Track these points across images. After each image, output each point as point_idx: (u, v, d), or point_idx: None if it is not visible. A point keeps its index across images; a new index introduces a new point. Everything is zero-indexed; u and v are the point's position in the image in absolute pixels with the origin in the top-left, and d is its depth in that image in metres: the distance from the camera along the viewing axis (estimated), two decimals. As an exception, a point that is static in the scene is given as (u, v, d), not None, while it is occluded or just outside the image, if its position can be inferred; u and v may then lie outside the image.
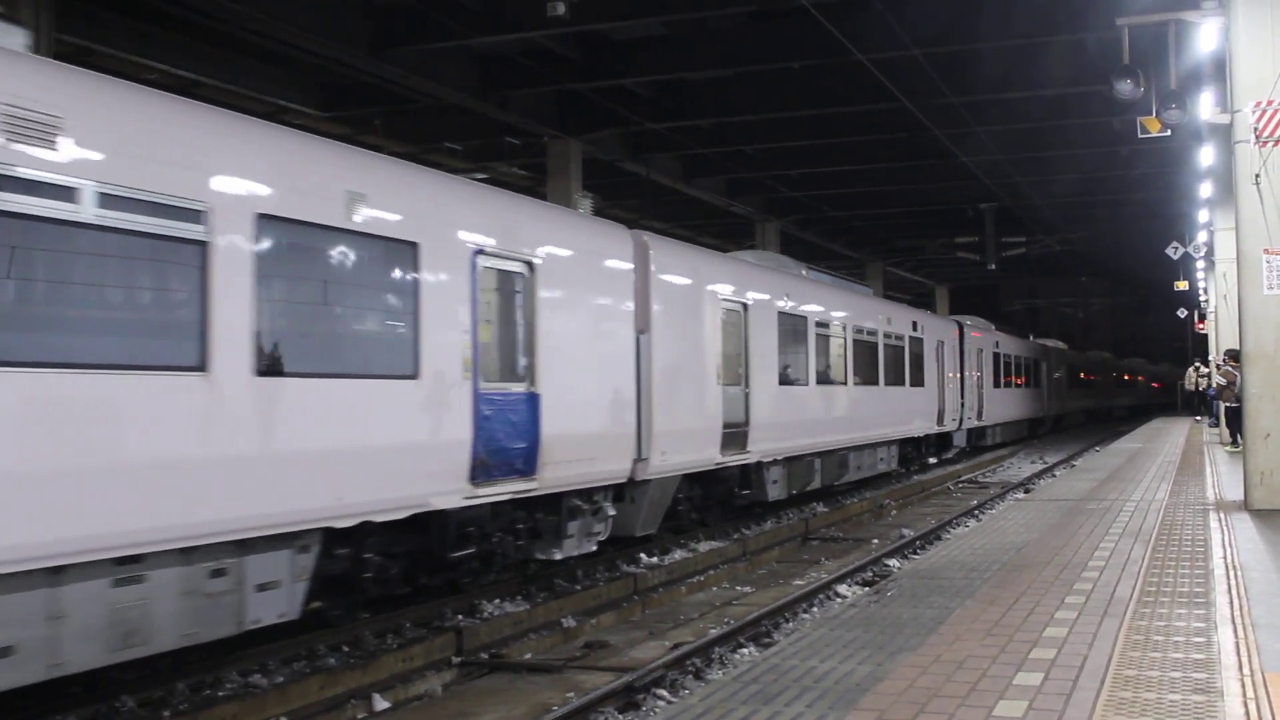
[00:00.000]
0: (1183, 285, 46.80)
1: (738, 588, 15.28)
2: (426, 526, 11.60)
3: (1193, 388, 44.28)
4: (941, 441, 34.11)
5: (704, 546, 17.88)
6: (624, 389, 15.05)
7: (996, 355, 40.39)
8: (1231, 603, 8.86)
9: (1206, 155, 25.73)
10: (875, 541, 18.95)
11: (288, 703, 9.40)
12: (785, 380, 20.64)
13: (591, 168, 29.76)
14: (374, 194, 10.76)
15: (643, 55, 24.27)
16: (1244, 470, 15.18)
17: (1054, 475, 28.22)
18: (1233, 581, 9.77)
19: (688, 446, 16.65)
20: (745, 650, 11.23)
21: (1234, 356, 25.52)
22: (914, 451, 30.97)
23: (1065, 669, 6.97)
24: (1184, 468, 22.66)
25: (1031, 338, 51.94)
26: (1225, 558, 11.08)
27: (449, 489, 11.52)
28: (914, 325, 29.91)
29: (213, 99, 18.92)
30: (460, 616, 12.62)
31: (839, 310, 24.10)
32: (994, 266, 44.96)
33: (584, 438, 13.93)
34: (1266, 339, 14.76)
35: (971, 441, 37.75)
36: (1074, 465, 29.56)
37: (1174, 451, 27.86)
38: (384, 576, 11.28)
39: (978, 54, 24.11)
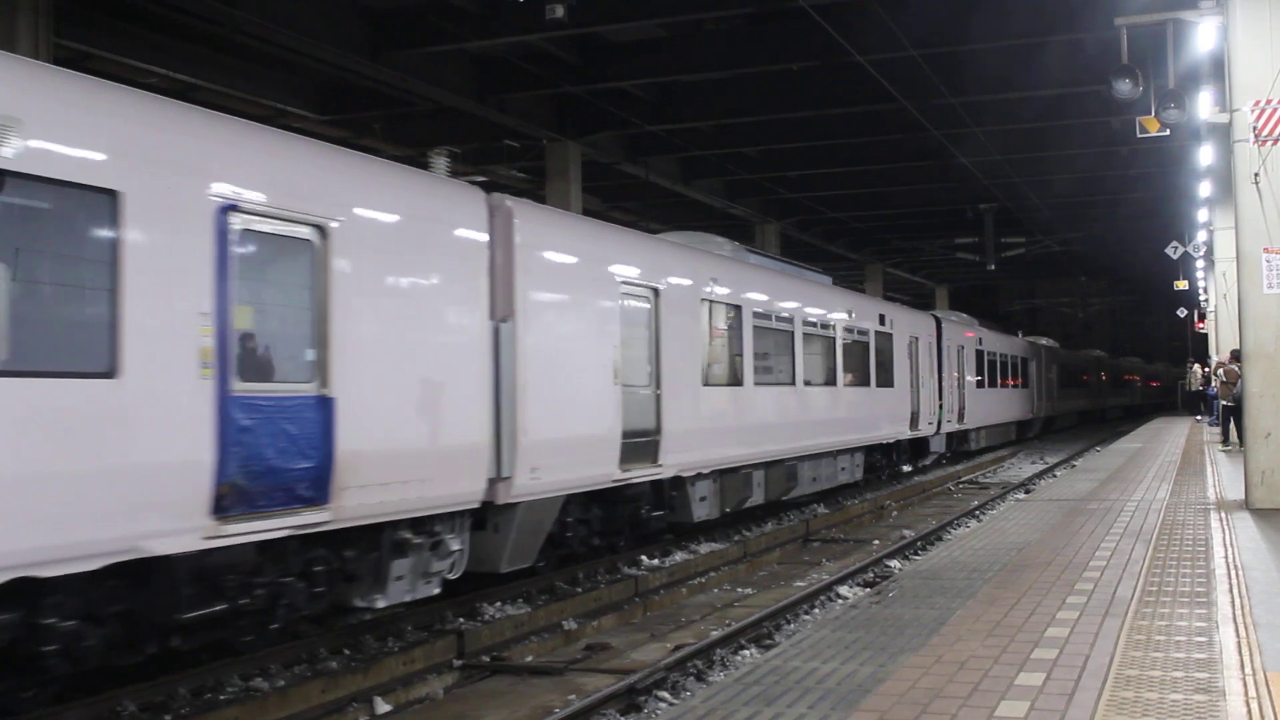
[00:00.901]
0: (1182, 285, 46.86)
1: (739, 589, 15.27)
2: (151, 578, 8.67)
3: (1194, 386, 44.32)
4: (917, 448, 31.19)
5: (704, 548, 17.88)
6: (473, 391, 11.89)
7: (980, 353, 37.70)
8: (1233, 602, 8.86)
9: (1205, 154, 25.78)
10: (876, 542, 18.94)
11: (289, 706, 9.38)
12: (713, 380, 17.78)
13: (591, 170, 29.81)
14: (39, 120, 7.83)
15: (641, 57, 24.28)
16: (1245, 469, 15.19)
17: (1054, 475, 28.24)
18: (1234, 581, 9.78)
19: (572, 461, 13.69)
20: (747, 652, 11.22)
21: (1238, 356, 25.61)
22: (883, 459, 28.08)
23: (1067, 669, 6.97)
24: (1185, 467, 22.67)
25: (1020, 335, 49.43)
26: (1226, 557, 11.09)
27: (177, 527, 8.59)
28: (881, 319, 26.81)
29: (211, 103, 18.94)
30: (461, 619, 12.62)
31: (785, 300, 21.07)
32: (993, 267, 44.99)
33: (408, 454, 10.92)
34: (1266, 338, 14.76)
35: (952, 447, 35.13)
36: (1074, 465, 29.59)
37: (1174, 451, 27.87)
38: (79, 649, 8.22)
39: (976, 54, 24.11)
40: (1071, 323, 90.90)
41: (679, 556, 17.13)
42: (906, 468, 30.71)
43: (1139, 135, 21.25)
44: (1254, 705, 6.16)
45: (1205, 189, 29.72)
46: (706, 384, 17.51)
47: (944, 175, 35.46)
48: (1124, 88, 17.06)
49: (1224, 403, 26.62)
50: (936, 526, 19.79)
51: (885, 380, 26.79)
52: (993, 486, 28.48)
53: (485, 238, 12.34)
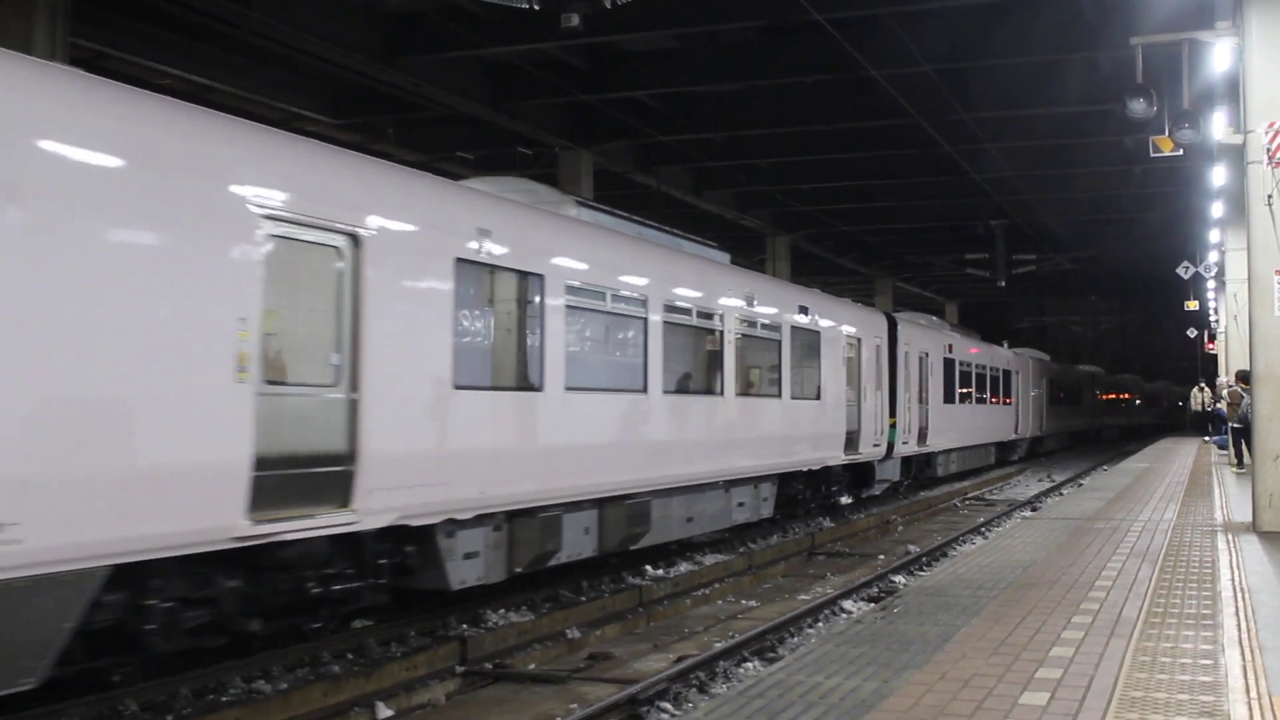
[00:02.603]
0: (1193, 305, 46.77)
1: (743, 601, 15.24)
2: None
3: (1199, 408, 44.18)
4: (859, 475, 25.39)
5: (709, 560, 17.84)
6: None
7: (950, 363, 32.36)
8: (1239, 625, 8.82)
9: (1219, 175, 25.72)
10: (881, 557, 18.90)
11: (291, 709, 9.38)
12: (481, 381, 12.16)
13: (603, 179, 29.84)
14: None
15: (654, 67, 24.33)
16: (1253, 492, 15.13)
17: (1061, 494, 28.18)
18: (1240, 604, 9.74)
19: (118, 508, 8.18)
20: (750, 665, 11.19)
21: (1243, 377, 25.57)
22: (807, 491, 22.27)
23: (1072, 689, 6.94)
24: (1192, 488, 22.59)
25: (1006, 345, 44.24)
26: (1233, 580, 11.04)
27: None
28: (803, 311, 21.02)
29: (226, 105, 19.02)
30: (465, 626, 12.60)
31: (630, 274, 15.17)
32: (1003, 284, 44.94)
33: None
34: (1277, 360, 14.72)
35: (911, 473, 29.60)
36: (1081, 484, 29.50)
37: (1182, 472, 27.79)
38: None
39: (990, 71, 24.12)
40: (1081, 341, 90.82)
41: (683, 567, 17.10)
42: (845, 499, 25.07)
43: (1152, 155, 21.19)
44: (1259, 730, 6.13)
45: (1218, 210, 29.66)
46: (464, 386, 11.68)
47: (956, 191, 35.48)
48: (1138, 107, 17.04)
49: (1233, 424, 26.56)
50: (942, 542, 19.75)
51: (806, 390, 21.18)
52: (999, 503, 28.41)
53: None
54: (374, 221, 10.52)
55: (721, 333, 17.67)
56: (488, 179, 15.53)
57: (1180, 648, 8.04)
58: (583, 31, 18.55)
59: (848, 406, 23.21)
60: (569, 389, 13.54)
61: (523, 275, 12.96)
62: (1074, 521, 16.66)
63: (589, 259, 14.30)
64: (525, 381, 13.01)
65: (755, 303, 18.87)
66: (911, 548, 19.59)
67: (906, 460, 28.57)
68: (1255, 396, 15.19)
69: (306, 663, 10.79)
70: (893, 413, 26.25)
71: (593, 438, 14.20)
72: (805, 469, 21.45)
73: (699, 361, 17.43)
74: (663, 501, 16.03)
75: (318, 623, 10.59)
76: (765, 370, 19.59)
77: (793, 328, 20.37)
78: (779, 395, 19.86)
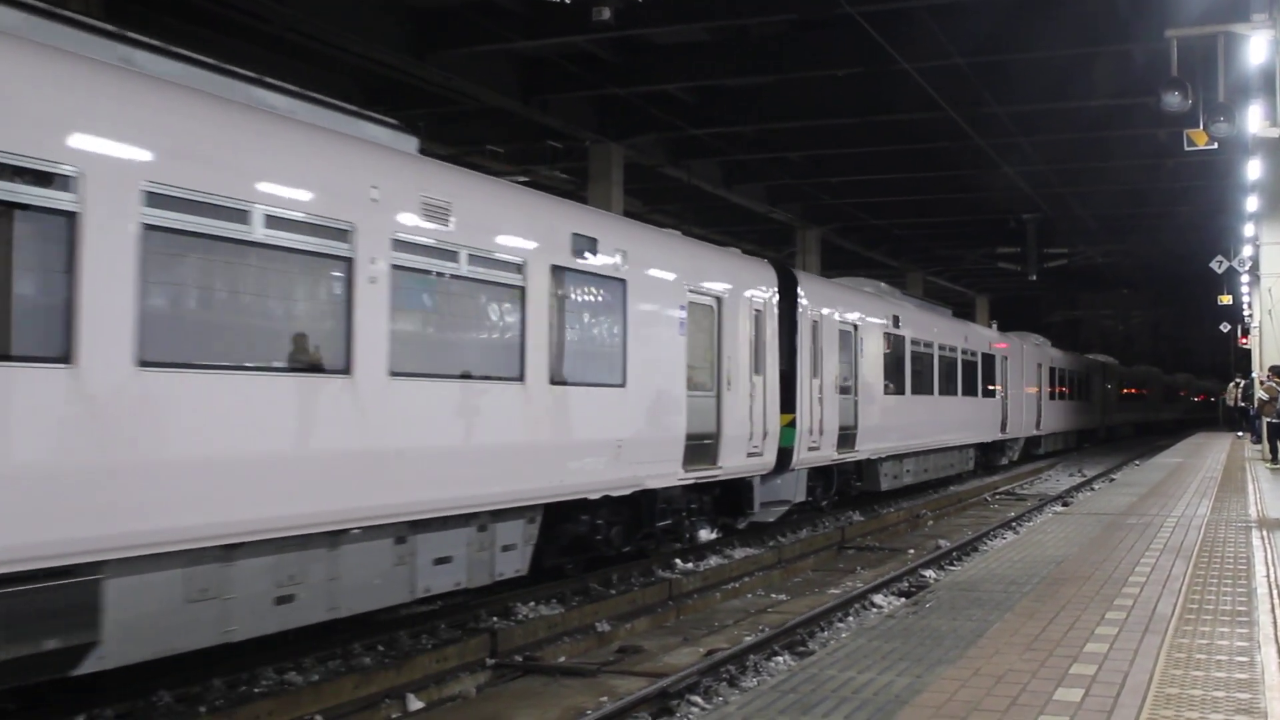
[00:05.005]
0: (1226, 299, 46.45)
1: (773, 595, 15.22)
2: None
3: (1234, 403, 43.91)
4: (734, 497, 17.96)
5: (739, 553, 17.83)
6: None
7: (897, 340, 24.89)
8: (1275, 622, 8.74)
9: (1254, 169, 25.52)
10: (911, 552, 18.84)
11: (322, 701, 9.42)
12: None
13: (633, 172, 29.84)
14: None
15: (684, 60, 24.30)
16: (1288, 488, 15.02)
17: (1093, 489, 28.01)
18: (1276, 600, 9.66)
19: None
20: (780, 659, 11.17)
21: (1277, 372, 25.36)
22: (612, 528, 14.64)
23: (1106, 685, 6.90)
24: (1225, 484, 22.42)
25: (994, 326, 37.68)
26: (1268, 576, 10.95)
27: None
28: (585, 246, 13.33)
29: (258, 99, 19.00)
30: (495, 619, 12.64)
31: (46, 127, 7.65)
32: (1034, 277, 44.74)
33: None
34: (1313, 355, 14.59)
35: (834, 488, 22.44)
36: (1113, 479, 29.34)
37: (1215, 467, 27.58)
38: None
39: (1023, 64, 24.01)
40: (1113, 335, 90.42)
41: (713, 561, 17.09)
42: (704, 534, 18.04)
43: (1186, 148, 21.01)
44: (1297, 728, 6.08)
45: (1252, 203, 29.42)
46: None
47: (988, 184, 35.33)
48: (1173, 100, 16.91)
49: (1269, 420, 26.33)
50: (973, 537, 19.67)
51: (592, 372, 13.61)
52: (1030, 498, 28.29)
53: None
54: None
55: (352, 262, 10.02)
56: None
57: (1215, 644, 7.97)
58: (614, 25, 18.56)
59: (692, 398, 15.80)
60: None
61: None
62: (1106, 517, 16.56)
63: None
64: None
65: (453, 220, 11.19)
66: (942, 542, 19.52)
67: (823, 472, 21.54)
68: (1291, 392, 15.07)
69: (338, 655, 10.85)
70: (776, 404, 18.67)
71: None
72: (600, 495, 13.89)
73: (297, 315, 9.68)
74: (166, 576, 8.39)
75: None
76: (486, 337, 12.03)
77: (554, 269, 12.76)
78: (519, 378, 12.18)
